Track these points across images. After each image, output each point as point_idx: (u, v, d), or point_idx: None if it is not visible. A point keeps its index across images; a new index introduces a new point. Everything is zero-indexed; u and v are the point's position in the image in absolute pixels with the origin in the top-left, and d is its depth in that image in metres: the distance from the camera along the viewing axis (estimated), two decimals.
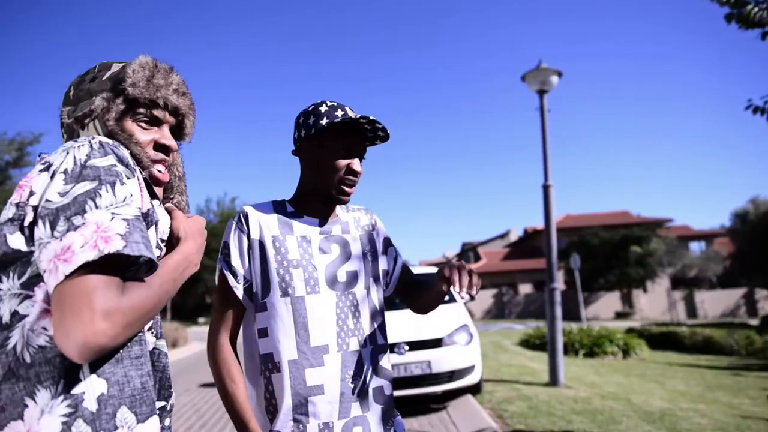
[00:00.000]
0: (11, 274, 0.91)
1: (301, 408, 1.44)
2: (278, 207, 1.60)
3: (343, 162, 1.54)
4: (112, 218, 0.87)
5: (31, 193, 0.93)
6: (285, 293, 1.48)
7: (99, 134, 1.10)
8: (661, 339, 16.09)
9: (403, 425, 1.66)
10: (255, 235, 1.52)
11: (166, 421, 1.11)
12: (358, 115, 1.51)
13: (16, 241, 0.92)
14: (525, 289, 39.26)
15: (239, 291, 1.51)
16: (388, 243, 1.76)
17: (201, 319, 33.49)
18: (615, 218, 40.22)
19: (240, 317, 1.55)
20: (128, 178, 0.97)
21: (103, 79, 1.15)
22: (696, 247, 40.08)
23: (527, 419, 5.63)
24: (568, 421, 5.53)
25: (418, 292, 1.75)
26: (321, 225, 1.59)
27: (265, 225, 1.54)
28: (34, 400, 0.86)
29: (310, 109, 1.58)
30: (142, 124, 1.16)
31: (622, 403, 6.57)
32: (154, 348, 1.07)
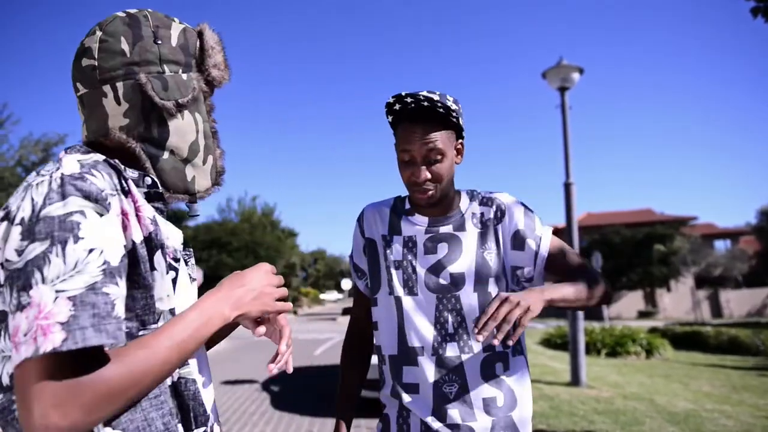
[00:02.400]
0: (2, 334, 0.82)
1: (402, 403, 1.49)
2: (397, 204, 1.60)
3: (406, 171, 1.45)
4: (56, 298, 0.73)
5: (4, 252, 0.79)
6: (391, 292, 1.50)
7: (199, 124, 1.01)
8: (685, 339, 15.85)
9: None
10: (368, 233, 1.58)
11: None
12: (403, 93, 1.37)
13: None
14: None
15: (361, 285, 1.64)
16: (521, 237, 1.51)
17: None
18: (638, 216, 39.70)
19: (370, 308, 1.61)
20: (99, 216, 0.80)
21: (173, 45, 0.99)
22: (721, 245, 39.42)
23: (549, 419, 5.59)
24: (590, 421, 5.49)
25: None
26: (430, 223, 1.51)
27: (377, 224, 1.57)
28: None
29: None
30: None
31: (646, 403, 6.50)
32: (179, 378, 0.93)
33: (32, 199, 0.79)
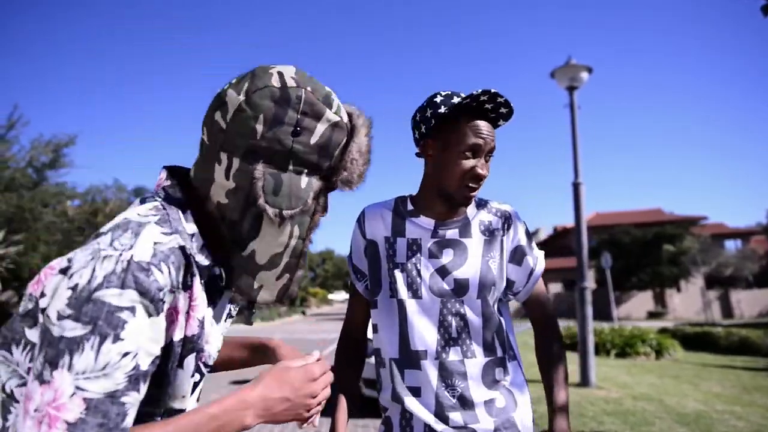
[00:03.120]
0: (21, 349, 0.81)
1: (404, 406, 1.48)
2: (399, 205, 1.58)
3: (468, 164, 1.42)
4: (73, 394, 0.72)
5: (43, 294, 0.79)
6: (393, 294, 1.50)
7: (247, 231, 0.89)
8: (696, 339, 15.78)
9: None
10: (370, 235, 1.57)
11: None
12: (479, 91, 1.36)
13: (34, 335, 0.80)
14: (555, 288, 38.83)
15: (360, 286, 1.61)
16: (521, 252, 1.55)
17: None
18: (647, 216, 39.52)
19: (367, 310, 1.61)
20: (148, 316, 0.77)
21: (312, 142, 0.88)
22: (731, 245, 39.15)
23: None
24: (599, 422, 5.47)
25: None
26: (437, 227, 1.51)
27: (380, 226, 1.56)
28: None
29: (424, 103, 1.49)
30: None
31: (655, 404, 6.47)
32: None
33: (93, 270, 0.76)
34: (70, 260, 0.79)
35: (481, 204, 1.58)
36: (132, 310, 0.75)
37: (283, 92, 0.85)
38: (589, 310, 7.86)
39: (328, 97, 0.89)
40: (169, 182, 0.90)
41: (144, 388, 0.79)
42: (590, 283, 8.14)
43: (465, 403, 1.43)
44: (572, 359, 10.92)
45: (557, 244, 43.83)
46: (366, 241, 1.57)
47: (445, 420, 1.43)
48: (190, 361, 0.88)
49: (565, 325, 20.36)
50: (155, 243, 0.80)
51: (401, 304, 1.48)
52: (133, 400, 0.77)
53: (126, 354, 0.75)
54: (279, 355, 1.15)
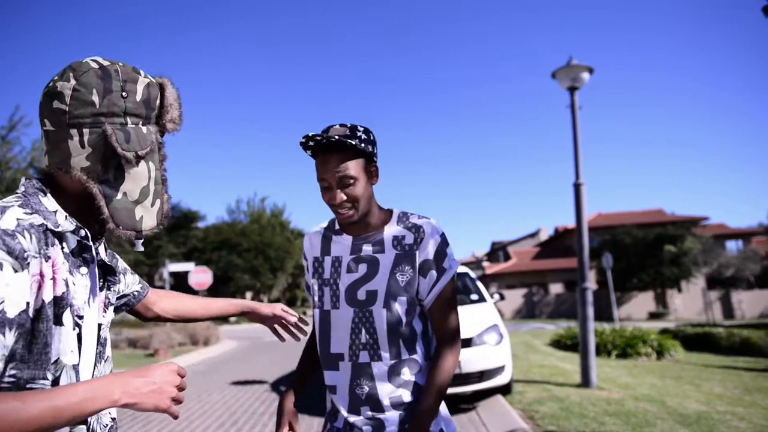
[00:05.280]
0: None
1: (331, 401, 1.78)
2: (329, 226, 1.83)
3: (325, 195, 1.66)
4: None
5: None
6: (320, 306, 1.76)
7: (112, 179, 1.10)
8: (697, 340, 15.75)
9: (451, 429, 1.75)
10: (308, 256, 1.86)
11: None
12: (310, 135, 1.58)
13: None
14: (556, 288, 38.82)
15: (311, 299, 1.84)
16: (428, 266, 1.66)
17: (232, 318, 33.92)
18: (648, 217, 39.49)
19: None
20: (14, 271, 0.93)
21: (138, 99, 1.11)
22: (733, 245, 39.11)
23: (559, 420, 5.57)
24: (600, 423, 5.46)
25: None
26: (354, 242, 1.72)
27: (312, 248, 1.83)
28: None
29: None
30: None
31: (657, 405, 6.46)
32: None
33: None
34: None
35: (401, 218, 1.74)
36: (0, 266, 0.92)
37: (103, 70, 1.08)
38: (590, 311, 7.85)
39: (135, 68, 1.14)
40: (24, 182, 1.10)
41: (11, 337, 0.93)
42: (591, 283, 8.12)
43: (372, 399, 1.66)
44: (573, 360, 10.93)
45: (558, 244, 43.83)
46: (307, 262, 1.86)
47: (357, 413, 1.68)
48: (67, 316, 1.04)
49: (566, 325, 20.38)
50: (18, 219, 0.99)
51: (325, 314, 1.74)
52: (13, 332, 0.93)
53: None
54: (259, 314, 1.86)
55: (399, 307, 1.64)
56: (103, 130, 1.06)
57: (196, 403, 7.61)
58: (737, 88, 77.68)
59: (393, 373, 1.66)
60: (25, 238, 0.97)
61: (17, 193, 1.07)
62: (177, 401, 1.05)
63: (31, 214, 1.02)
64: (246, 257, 35.01)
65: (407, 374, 1.67)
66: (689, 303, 34.27)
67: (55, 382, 1.02)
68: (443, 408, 1.75)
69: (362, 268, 1.69)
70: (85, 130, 1.05)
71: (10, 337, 0.92)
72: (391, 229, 1.70)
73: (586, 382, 7.69)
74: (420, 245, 1.66)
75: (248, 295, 40.11)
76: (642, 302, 34.60)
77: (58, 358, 1.02)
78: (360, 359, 1.66)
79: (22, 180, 1.10)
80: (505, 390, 6.88)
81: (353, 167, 1.60)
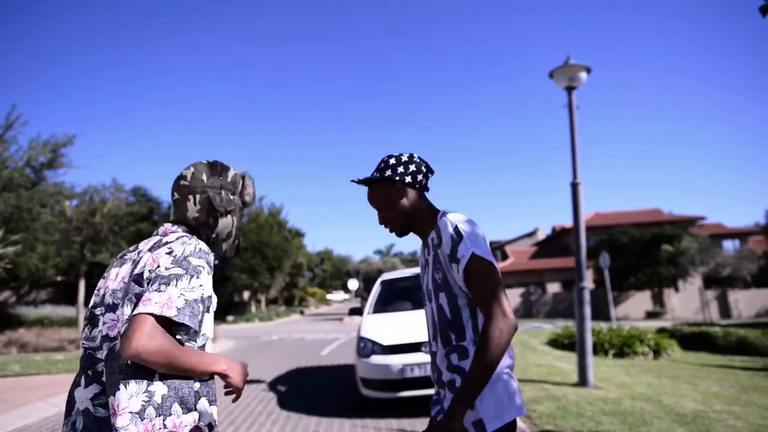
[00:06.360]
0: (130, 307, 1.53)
1: None
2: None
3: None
4: (179, 296, 1.48)
5: (158, 266, 1.55)
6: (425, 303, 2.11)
7: (214, 223, 1.80)
8: (694, 339, 15.78)
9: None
10: None
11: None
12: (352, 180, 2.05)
13: (140, 289, 1.54)
14: (553, 288, 38.84)
15: None
16: (450, 260, 1.88)
17: (230, 317, 33.85)
18: (646, 216, 39.53)
19: None
20: (208, 275, 1.60)
21: (228, 180, 1.83)
22: (730, 245, 39.17)
23: (556, 420, 5.58)
24: (597, 422, 5.47)
25: None
26: (421, 248, 2.08)
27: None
28: (126, 388, 1.45)
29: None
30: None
31: (653, 404, 6.47)
32: (199, 388, 1.59)
33: (183, 249, 1.59)
34: (170, 248, 1.59)
35: (437, 220, 1.98)
36: (203, 267, 1.59)
37: (210, 164, 1.84)
38: (588, 310, 7.87)
39: (226, 165, 1.87)
40: (174, 227, 1.74)
41: (203, 308, 1.58)
42: (588, 283, 8.13)
43: (440, 383, 1.92)
44: (570, 359, 10.95)
45: (556, 244, 43.84)
46: None
47: (438, 394, 1.97)
48: (212, 308, 1.67)
49: (563, 325, 20.40)
50: (202, 246, 1.66)
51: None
52: (203, 309, 1.57)
53: (200, 285, 1.55)
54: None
55: (443, 301, 1.90)
56: (207, 196, 1.77)
57: None
58: (735, 88, 77.79)
59: (447, 360, 1.89)
60: (210, 255, 1.66)
61: (177, 231, 1.71)
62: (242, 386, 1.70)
63: (194, 239, 1.67)
64: (244, 257, 34.90)
65: (455, 359, 1.87)
66: (686, 302, 34.31)
67: (201, 348, 1.60)
68: (493, 398, 1.82)
69: (425, 269, 2.02)
70: (197, 197, 1.76)
71: (203, 309, 1.57)
72: (431, 233, 1.97)
73: (583, 381, 7.70)
74: (442, 244, 1.88)
75: (246, 294, 40.05)
76: (639, 301, 34.64)
77: (204, 333, 1.61)
78: (432, 348, 1.97)
79: (172, 226, 1.74)
80: None
81: (377, 197, 2.02)
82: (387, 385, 6.25)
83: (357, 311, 8.29)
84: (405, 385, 6.16)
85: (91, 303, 1.65)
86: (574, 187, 8.14)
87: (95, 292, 1.68)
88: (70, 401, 1.58)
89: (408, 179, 1.96)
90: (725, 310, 33.47)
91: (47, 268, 23.60)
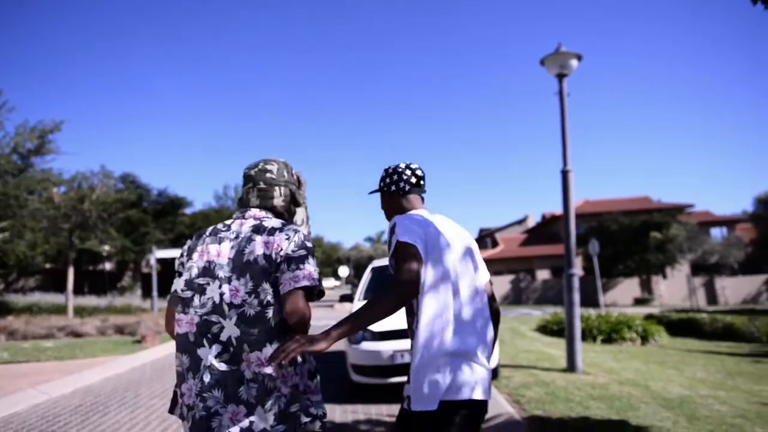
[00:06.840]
0: (270, 282, 1.87)
1: None
2: None
3: None
4: (315, 270, 1.88)
5: (280, 248, 1.88)
6: None
7: (293, 212, 2.22)
8: (681, 325, 15.97)
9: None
10: None
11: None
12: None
13: (270, 267, 1.87)
14: (543, 275, 39.07)
15: None
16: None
17: None
18: (635, 204, 39.78)
19: None
20: (313, 256, 1.96)
21: (294, 179, 2.22)
22: (717, 232, 39.52)
23: (545, 405, 5.64)
24: (585, 407, 5.53)
25: None
26: None
27: None
28: (271, 345, 1.82)
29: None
30: None
31: (641, 389, 6.55)
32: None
33: (299, 238, 1.93)
34: (287, 234, 1.92)
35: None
36: (314, 249, 1.97)
37: (285, 163, 2.21)
38: (577, 297, 7.93)
39: (288, 165, 2.22)
40: (261, 212, 2.08)
41: None
42: (578, 270, 8.18)
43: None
44: (559, 345, 11.04)
45: (545, 231, 44.05)
46: None
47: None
48: None
49: (552, 311, 20.55)
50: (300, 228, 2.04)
51: None
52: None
53: (314, 262, 1.92)
54: None
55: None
56: (290, 189, 2.16)
57: None
58: (724, 76, 78.07)
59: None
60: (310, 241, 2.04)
61: (270, 216, 2.05)
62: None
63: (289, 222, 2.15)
64: None
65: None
66: (674, 289, 34.63)
67: None
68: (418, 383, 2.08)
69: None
70: (282, 188, 2.14)
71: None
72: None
73: (571, 366, 7.77)
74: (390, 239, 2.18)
75: None
76: (627, 288, 34.92)
77: None
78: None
79: (260, 212, 2.06)
80: (491, 375, 6.93)
81: (381, 203, 2.45)
82: (377, 371, 6.28)
83: (348, 298, 8.30)
84: (395, 371, 6.20)
85: (191, 275, 1.92)
86: (565, 174, 8.16)
87: (186, 265, 1.96)
88: (196, 360, 1.85)
89: (392, 188, 2.35)
90: (712, 297, 33.82)
91: (35, 256, 23.40)
